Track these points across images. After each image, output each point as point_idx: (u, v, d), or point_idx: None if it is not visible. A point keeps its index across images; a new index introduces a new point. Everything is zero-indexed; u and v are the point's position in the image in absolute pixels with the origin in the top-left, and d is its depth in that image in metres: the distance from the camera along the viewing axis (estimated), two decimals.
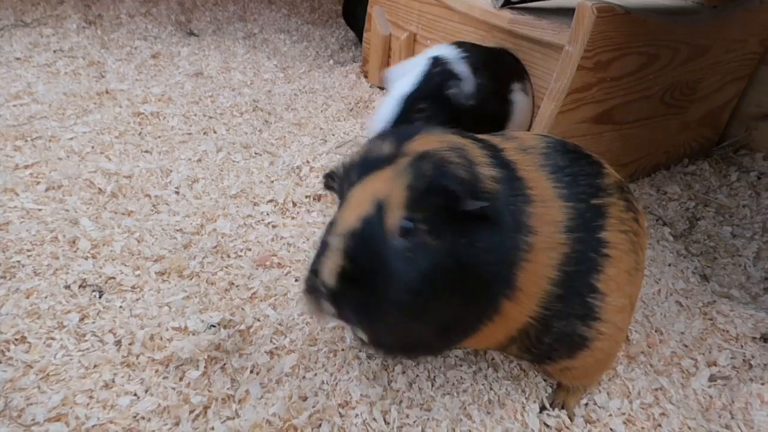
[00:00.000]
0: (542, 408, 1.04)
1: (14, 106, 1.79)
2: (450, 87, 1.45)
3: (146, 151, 1.67)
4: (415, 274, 0.75)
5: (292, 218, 1.50)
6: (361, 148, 0.88)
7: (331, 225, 0.80)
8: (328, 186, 0.91)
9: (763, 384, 1.17)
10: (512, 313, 0.84)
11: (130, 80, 2.15)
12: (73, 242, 1.24)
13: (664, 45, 1.61)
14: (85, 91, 1.97)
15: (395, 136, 0.86)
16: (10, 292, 1.09)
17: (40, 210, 1.30)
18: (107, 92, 2.00)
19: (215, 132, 1.88)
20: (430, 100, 1.43)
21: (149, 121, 1.86)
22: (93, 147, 1.62)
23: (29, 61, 2.20)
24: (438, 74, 1.46)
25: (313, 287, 0.77)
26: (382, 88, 2.40)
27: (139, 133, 1.77)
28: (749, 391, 1.16)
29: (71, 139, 1.64)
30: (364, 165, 0.83)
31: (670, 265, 1.54)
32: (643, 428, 1.02)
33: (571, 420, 1.02)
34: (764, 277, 1.59)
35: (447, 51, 1.55)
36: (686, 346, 1.26)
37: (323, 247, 0.78)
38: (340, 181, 0.87)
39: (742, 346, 1.30)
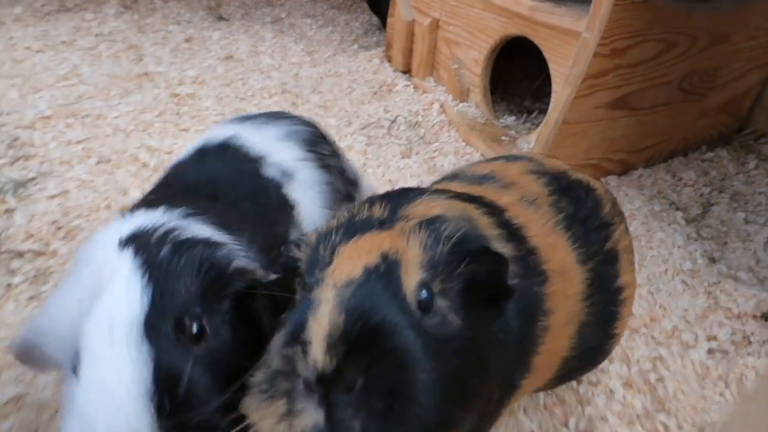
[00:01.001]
0: None
1: (63, 86, 1.93)
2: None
3: (183, 130, 1.79)
4: (447, 361, 0.56)
5: None
6: (338, 215, 0.70)
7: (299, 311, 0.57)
8: (287, 261, 0.68)
9: (759, 358, 1.24)
10: (529, 384, 0.76)
11: (166, 63, 2.27)
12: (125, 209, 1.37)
13: (682, 32, 1.65)
14: (126, 72, 2.09)
15: (385, 200, 0.70)
16: (71, 252, 1.22)
17: (92, 181, 1.43)
18: (146, 74, 2.12)
19: (246, 113, 1.98)
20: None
21: (185, 102, 1.97)
22: (136, 125, 1.75)
23: (74, 44, 2.34)
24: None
25: (282, 375, 0.53)
26: (405, 72, 2.47)
27: (177, 113, 1.89)
28: (745, 363, 1.23)
29: (116, 117, 1.77)
30: (350, 228, 0.64)
31: (679, 247, 1.60)
32: (639, 391, 1.11)
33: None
34: None
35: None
36: (688, 322, 1.33)
37: (300, 320, 0.54)
38: (310, 251, 0.65)
39: (743, 323, 1.37)
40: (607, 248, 0.84)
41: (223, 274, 0.72)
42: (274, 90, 2.17)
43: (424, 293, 0.57)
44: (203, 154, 0.98)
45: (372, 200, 0.71)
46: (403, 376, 0.51)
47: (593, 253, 0.81)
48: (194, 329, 0.67)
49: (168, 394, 0.61)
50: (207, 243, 0.74)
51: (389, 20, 2.57)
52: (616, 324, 0.86)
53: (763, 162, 2.15)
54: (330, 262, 0.59)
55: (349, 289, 0.53)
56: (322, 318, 0.51)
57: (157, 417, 0.59)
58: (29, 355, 0.72)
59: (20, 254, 1.20)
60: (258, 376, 0.55)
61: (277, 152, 1.01)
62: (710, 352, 1.28)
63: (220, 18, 2.94)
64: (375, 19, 3.12)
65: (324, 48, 2.70)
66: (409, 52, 2.46)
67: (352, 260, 0.57)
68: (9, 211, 1.32)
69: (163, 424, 0.59)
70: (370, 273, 0.55)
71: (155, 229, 0.73)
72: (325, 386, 0.49)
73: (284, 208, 0.97)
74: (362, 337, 0.50)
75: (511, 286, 0.62)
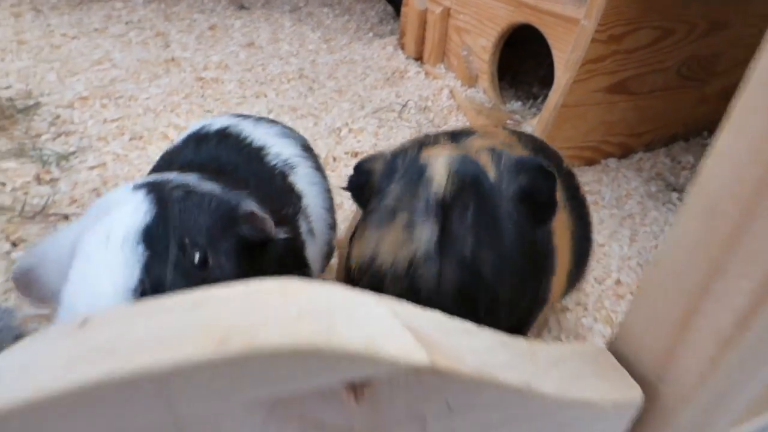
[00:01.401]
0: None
1: (98, 70, 2.08)
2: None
3: (208, 111, 1.92)
4: (521, 244, 0.67)
5: (332, 171, 1.73)
6: (403, 145, 0.81)
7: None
8: (360, 173, 0.78)
9: None
10: (548, 301, 0.86)
11: (191, 49, 2.41)
12: None
13: (680, 20, 1.73)
14: (154, 58, 2.24)
15: (446, 134, 0.82)
16: None
17: (127, 155, 1.58)
18: (173, 59, 2.26)
19: (266, 96, 2.11)
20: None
21: (209, 86, 2.11)
22: (164, 106, 1.89)
23: (105, 31, 2.49)
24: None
25: (402, 204, 0.64)
26: (417, 60, 2.57)
27: (202, 96, 2.02)
28: None
29: (147, 98, 1.91)
30: (424, 141, 0.77)
31: (671, 225, 1.70)
32: None
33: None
34: None
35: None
36: None
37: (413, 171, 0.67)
38: (386, 164, 0.75)
39: None
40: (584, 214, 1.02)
41: (232, 213, 0.72)
42: (292, 75, 2.29)
43: (501, 182, 0.68)
44: (201, 138, 0.95)
45: (433, 135, 0.82)
46: (493, 220, 0.64)
47: (570, 193, 0.95)
48: (196, 257, 0.65)
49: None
50: (218, 192, 0.74)
51: (403, 9, 2.67)
52: (588, 244, 1.04)
53: None
54: (416, 161, 0.69)
55: (454, 159, 0.66)
56: (440, 163, 0.64)
57: None
58: (28, 283, 0.69)
59: (66, 217, 1.34)
60: (375, 216, 0.66)
61: (277, 146, 1.00)
62: None
63: (242, 7, 3.07)
64: (390, 8, 3.21)
65: (340, 36, 2.81)
66: (421, 40, 2.57)
67: (443, 151, 0.69)
68: (54, 180, 1.47)
69: None
70: (462, 156, 0.68)
71: (169, 181, 0.73)
72: (443, 207, 0.62)
73: (291, 194, 0.95)
74: (469, 183, 0.63)
75: (556, 200, 0.72)
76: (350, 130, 1.92)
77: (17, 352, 0.36)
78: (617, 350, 0.59)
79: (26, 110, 1.91)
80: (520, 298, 0.70)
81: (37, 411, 0.31)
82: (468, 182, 0.64)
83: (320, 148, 1.79)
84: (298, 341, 0.33)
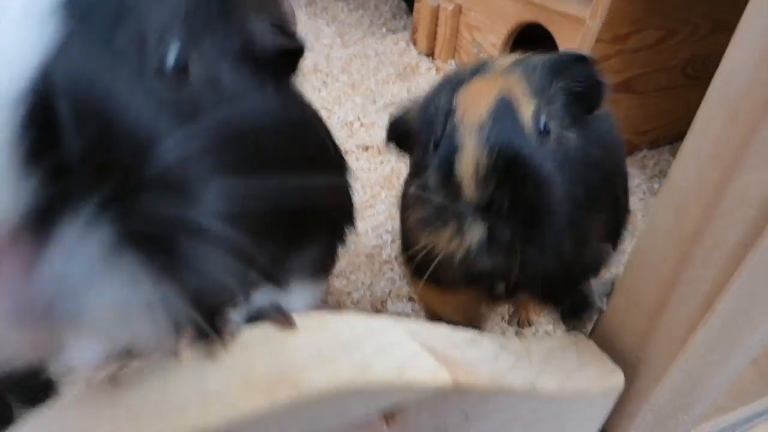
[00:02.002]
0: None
1: None
2: None
3: None
4: (569, 171, 0.64)
5: None
6: (438, 81, 0.80)
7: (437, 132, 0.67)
8: (397, 126, 0.81)
9: None
10: None
11: None
12: None
13: (683, 20, 1.78)
14: None
15: (470, 66, 0.79)
16: None
17: None
18: None
19: None
20: None
21: None
22: None
23: None
24: None
25: (446, 209, 0.61)
26: (428, 55, 2.63)
27: None
28: None
29: None
30: (449, 85, 0.73)
31: None
32: None
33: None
34: None
35: None
36: None
37: (447, 149, 0.63)
38: (420, 114, 0.76)
39: None
40: None
41: None
42: (307, 69, 2.36)
43: (540, 121, 0.65)
44: None
45: (458, 68, 0.81)
46: (537, 195, 0.60)
47: None
48: (170, 60, 0.41)
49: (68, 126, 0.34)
50: None
51: (416, 5, 2.72)
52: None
53: None
54: (450, 113, 0.66)
55: (483, 131, 0.61)
56: (468, 158, 0.60)
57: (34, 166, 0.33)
58: None
59: None
60: (424, 212, 0.64)
61: None
62: None
63: None
64: (403, 4, 3.26)
65: (354, 30, 2.87)
66: (433, 36, 2.62)
67: (474, 106, 0.64)
68: None
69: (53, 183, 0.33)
70: (495, 113, 0.63)
71: None
72: (482, 211, 0.60)
73: None
74: (502, 170, 0.59)
75: (604, 81, 0.70)
76: (362, 124, 1.99)
77: (49, 419, 0.34)
78: (601, 335, 0.65)
79: None
80: (584, 226, 0.67)
81: None
82: (500, 169, 0.60)
83: None
84: (339, 382, 0.36)
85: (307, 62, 2.42)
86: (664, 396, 0.56)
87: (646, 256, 0.56)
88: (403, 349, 0.41)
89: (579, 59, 0.71)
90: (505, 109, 0.64)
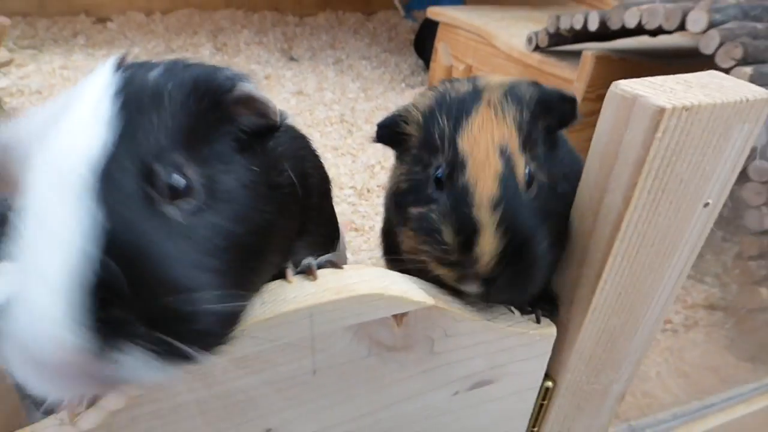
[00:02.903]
0: None
1: None
2: None
3: None
4: (547, 223, 0.69)
5: (366, 200, 2.08)
6: (430, 92, 0.82)
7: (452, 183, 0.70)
8: (389, 129, 0.82)
9: (702, 335, 1.61)
10: None
11: None
12: None
13: None
14: None
15: (465, 80, 0.83)
16: None
17: None
18: None
19: (312, 137, 2.51)
20: None
21: None
22: None
23: None
24: None
25: (455, 262, 0.68)
26: None
27: None
28: (689, 338, 1.60)
29: None
30: (451, 109, 0.75)
31: None
32: None
33: None
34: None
35: None
36: None
37: (465, 221, 0.67)
38: (420, 129, 0.78)
39: (695, 312, 1.74)
40: None
41: (223, 99, 0.57)
42: (335, 120, 2.69)
43: (527, 174, 0.70)
44: None
45: (453, 80, 0.84)
46: (533, 263, 0.68)
47: None
48: (170, 180, 0.49)
49: (115, 283, 0.43)
50: (208, 66, 0.60)
51: (432, 64, 3.07)
52: None
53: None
54: (458, 162, 0.70)
55: (498, 210, 0.66)
56: (488, 241, 0.65)
57: (95, 314, 0.42)
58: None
59: None
60: (429, 245, 0.69)
61: None
62: (663, 329, 1.66)
63: (292, 59, 3.53)
64: (420, 62, 3.63)
65: (376, 85, 3.22)
66: None
67: (484, 170, 0.68)
68: None
69: (108, 325, 0.43)
70: (503, 183, 0.68)
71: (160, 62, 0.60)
72: (487, 279, 0.67)
73: None
74: (513, 249, 0.66)
75: (578, 114, 0.77)
76: (382, 167, 2.29)
77: None
78: None
79: None
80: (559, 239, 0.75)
81: None
82: (513, 249, 0.66)
83: (357, 181, 2.16)
84: (373, 292, 0.64)
85: (335, 113, 2.77)
86: (587, 347, 0.80)
87: (577, 237, 0.77)
88: (407, 284, 0.69)
89: (563, 99, 0.77)
90: (508, 177, 0.68)
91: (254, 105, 0.60)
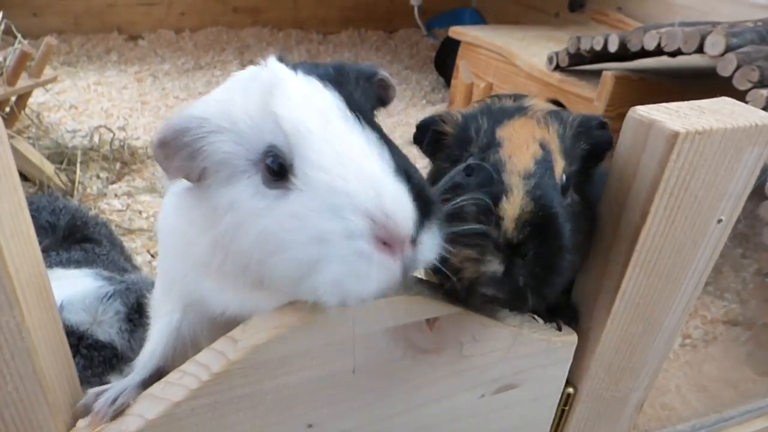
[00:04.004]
0: None
1: None
2: None
3: None
4: (575, 226, 0.70)
5: None
6: (470, 106, 0.85)
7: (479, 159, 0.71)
8: (429, 129, 0.81)
9: (721, 350, 1.64)
10: None
11: None
12: None
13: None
14: None
15: (509, 96, 0.85)
16: None
17: None
18: None
19: None
20: None
21: None
22: None
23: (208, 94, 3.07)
24: None
25: (476, 235, 0.65)
26: None
27: None
28: (708, 353, 1.63)
29: None
30: (494, 114, 0.76)
31: None
32: None
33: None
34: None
35: None
36: None
37: (493, 186, 0.66)
38: (458, 129, 0.78)
39: (714, 327, 1.76)
40: None
41: (373, 81, 0.73)
42: None
43: (564, 179, 0.71)
44: None
45: (497, 96, 0.87)
46: (558, 249, 0.67)
47: None
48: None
49: (404, 172, 0.59)
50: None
51: (453, 81, 3.14)
52: None
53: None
54: (494, 144, 0.71)
55: (530, 181, 0.67)
56: (515, 203, 0.65)
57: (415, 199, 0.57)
58: (175, 148, 0.63)
59: None
60: (455, 229, 0.65)
61: None
62: (682, 344, 1.69)
63: None
64: (441, 79, 3.71)
65: (397, 102, 3.30)
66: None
67: (520, 151, 0.70)
68: None
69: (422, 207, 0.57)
70: (539, 164, 0.69)
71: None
72: (509, 250, 0.65)
73: None
74: (539, 221, 0.65)
75: (612, 143, 0.78)
76: None
77: None
78: None
79: (153, 157, 2.46)
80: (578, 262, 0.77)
81: None
82: (538, 221, 0.65)
83: None
84: (410, 296, 0.69)
85: None
86: (607, 355, 0.85)
87: (592, 258, 0.83)
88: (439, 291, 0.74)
89: (601, 125, 0.80)
90: (545, 164, 0.69)
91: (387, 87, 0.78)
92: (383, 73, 0.74)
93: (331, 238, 0.55)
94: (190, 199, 0.70)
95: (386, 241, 0.55)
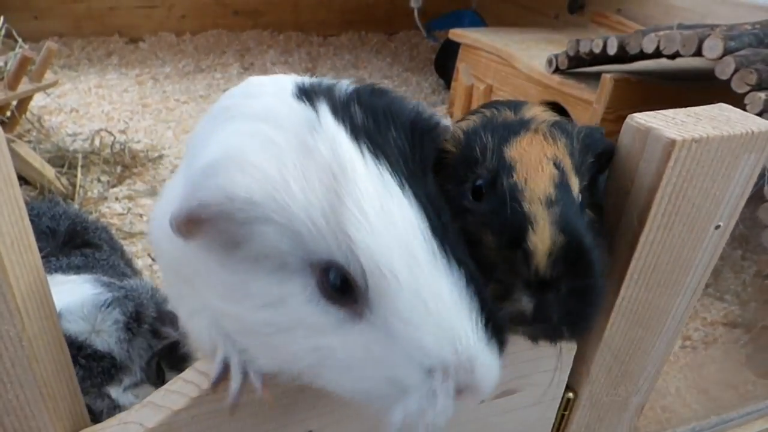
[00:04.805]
0: None
1: None
2: None
3: None
4: (601, 247, 0.65)
5: None
6: (469, 118, 0.80)
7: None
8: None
9: (721, 352, 1.64)
10: None
11: None
12: None
13: (677, 105, 2.10)
14: None
15: (505, 105, 0.80)
16: None
17: None
18: None
19: None
20: None
21: None
22: None
23: (208, 98, 3.08)
24: None
25: (501, 269, 0.61)
26: None
27: None
28: (708, 355, 1.63)
29: None
30: (498, 129, 0.71)
31: None
32: None
33: None
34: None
35: None
36: None
37: (517, 217, 0.61)
38: (461, 148, 0.72)
39: (714, 328, 1.76)
40: None
41: (435, 134, 0.65)
42: None
43: (579, 199, 0.66)
44: None
45: (494, 106, 0.81)
46: (593, 283, 0.62)
47: None
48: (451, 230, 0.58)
49: (493, 326, 0.55)
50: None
51: (453, 83, 3.15)
52: None
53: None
54: (504, 167, 0.65)
55: (554, 210, 0.61)
56: (544, 236, 0.59)
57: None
58: (207, 229, 0.54)
59: None
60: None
61: None
62: (683, 346, 1.69)
63: None
64: (441, 81, 3.72)
65: None
66: (467, 110, 3.02)
67: (537, 172, 0.64)
68: None
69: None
70: (558, 188, 0.63)
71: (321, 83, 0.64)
72: (541, 287, 0.60)
73: None
74: (572, 256, 0.60)
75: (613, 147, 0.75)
76: None
77: None
78: None
79: (154, 160, 2.47)
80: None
81: None
82: (569, 253, 0.60)
83: None
84: None
85: None
86: (607, 360, 0.85)
87: None
88: None
89: (602, 134, 0.78)
90: (564, 188, 0.64)
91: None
92: (444, 122, 0.68)
93: (411, 389, 0.54)
94: (202, 252, 0.59)
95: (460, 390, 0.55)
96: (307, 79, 0.67)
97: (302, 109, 0.59)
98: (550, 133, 0.70)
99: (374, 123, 0.58)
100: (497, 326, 0.55)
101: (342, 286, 0.53)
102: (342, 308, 0.54)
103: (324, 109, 0.58)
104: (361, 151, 0.55)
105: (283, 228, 0.53)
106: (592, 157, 0.73)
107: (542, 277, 0.60)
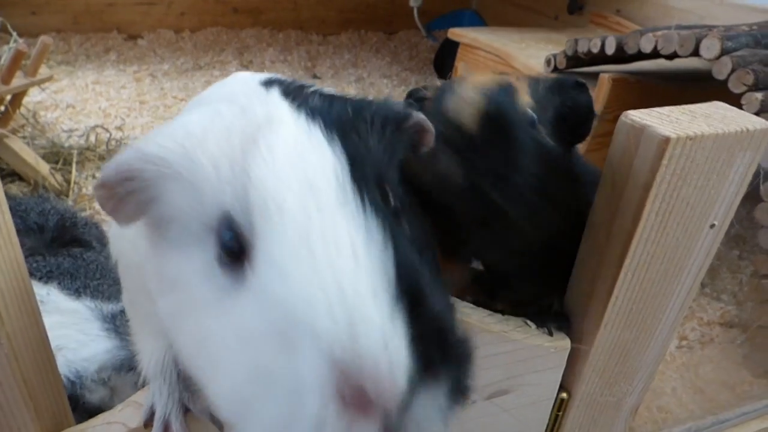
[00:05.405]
0: None
1: None
2: None
3: None
4: (541, 164, 0.66)
5: None
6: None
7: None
8: (417, 98, 0.76)
9: (717, 352, 1.63)
10: None
11: None
12: None
13: (676, 105, 2.10)
14: None
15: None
16: None
17: None
18: None
19: None
20: None
21: None
22: None
23: None
24: None
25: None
26: None
27: None
28: (704, 355, 1.63)
29: None
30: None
31: None
32: None
33: None
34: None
35: None
36: None
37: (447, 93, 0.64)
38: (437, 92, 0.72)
39: (710, 329, 1.76)
40: None
41: (406, 127, 0.56)
42: None
43: (531, 113, 0.68)
44: None
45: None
46: (514, 155, 0.63)
47: None
48: (393, 202, 0.48)
49: (408, 292, 0.41)
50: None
51: None
52: None
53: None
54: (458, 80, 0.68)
55: (488, 90, 0.64)
56: (471, 100, 0.62)
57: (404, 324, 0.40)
58: (123, 193, 0.49)
59: None
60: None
61: None
62: (679, 346, 1.68)
63: (315, 77, 3.63)
64: (440, 81, 3.71)
65: None
66: None
67: (482, 76, 0.70)
68: None
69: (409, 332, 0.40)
70: (496, 84, 0.67)
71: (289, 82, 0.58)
72: (467, 142, 0.62)
73: None
74: (497, 119, 0.61)
75: (595, 111, 0.77)
76: None
77: None
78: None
79: None
80: (545, 216, 0.69)
81: None
82: (493, 119, 0.61)
83: None
84: None
85: None
86: (601, 360, 0.84)
87: (586, 256, 0.82)
88: None
89: (578, 85, 0.78)
90: (506, 87, 0.67)
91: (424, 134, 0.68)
92: (418, 116, 0.58)
93: (276, 381, 0.39)
94: (143, 242, 0.54)
95: (356, 403, 0.38)
96: (286, 78, 0.62)
97: (259, 89, 0.55)
98: (517, 79, 0.74)
99: (329, 105, 0.53)
100: (416, 295, 0.41)
101: (236, 246, 0.44)
102: (230, 278, 0.44)
103: (276, 88, 0.54)
104: (297, 112, 0.49)
105: (186, 183, 0.47)
106: (561, 101, 0.75)
107: (468, 133, 0.63)
